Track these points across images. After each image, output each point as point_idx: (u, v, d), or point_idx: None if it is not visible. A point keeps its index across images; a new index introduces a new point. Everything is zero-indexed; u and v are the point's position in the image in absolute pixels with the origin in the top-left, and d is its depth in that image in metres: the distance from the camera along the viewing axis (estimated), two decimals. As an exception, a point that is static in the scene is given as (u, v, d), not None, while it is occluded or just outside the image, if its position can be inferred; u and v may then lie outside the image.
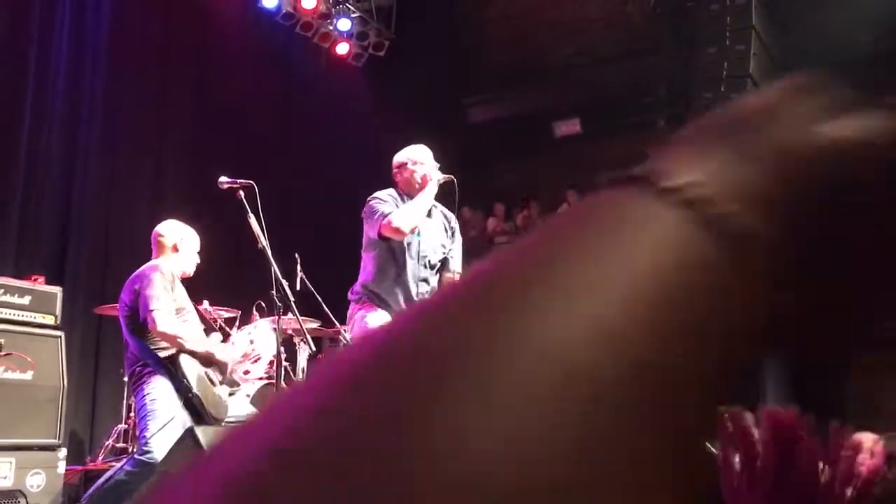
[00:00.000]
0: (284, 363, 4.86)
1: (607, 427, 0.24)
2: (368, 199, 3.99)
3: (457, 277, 3.35)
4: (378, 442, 0.22)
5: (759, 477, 0.78)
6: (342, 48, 9.68)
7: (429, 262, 4.06)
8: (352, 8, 9.53)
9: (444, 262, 4.21)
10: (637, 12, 10.26)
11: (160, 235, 4.22)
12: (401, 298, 3.94)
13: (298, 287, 5.79)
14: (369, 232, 3.93)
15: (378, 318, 3.82)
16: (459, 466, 0.22)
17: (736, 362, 0.29)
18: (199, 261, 4.28)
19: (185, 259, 4.18)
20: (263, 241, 3.87)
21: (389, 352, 0.26)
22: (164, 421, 3.54)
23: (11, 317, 4.71)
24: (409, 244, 3.95)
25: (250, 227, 3.86)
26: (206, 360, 3.90)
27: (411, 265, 3.97)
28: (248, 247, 4.41)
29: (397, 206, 3.93)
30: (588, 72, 11.02)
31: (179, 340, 3.77)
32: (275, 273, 3.84)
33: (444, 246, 4.17)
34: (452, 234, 4.25)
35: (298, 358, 6.48)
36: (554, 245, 0.28)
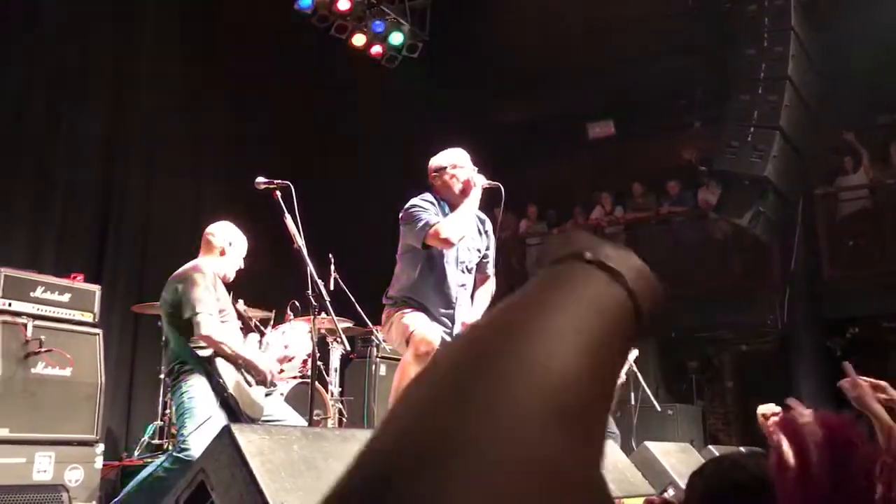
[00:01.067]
0: (318, 362, 4.89)
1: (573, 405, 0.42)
2: (407, 206, 3.90)
3: (491, 279, 3.32)
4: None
5: (814, 480, 0.77)
6: (375, 50, 9.72)
7: (466, 267, 4.01)
8: (385, 10, 9.56)
9: (480, 265, 4.15)
10: (673, 13, 10.17)
11: (210, 235, 4.17)
12: (439, 304, 3.89)
13: (332, 287, 5.83)
14: (410, 240, 3.85)
15: (416, 318, 3.75)
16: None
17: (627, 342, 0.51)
18: (242, 266, 4.23)
19: (229, 263, 4.14)
20: (299, 241, 3.88)
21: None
22: (201, 419, 3.56)
23: (52, 314, 4.80)
24: (446, 251, 3.89)
25: (286, 227, 3.88)
26: (245, 365, 3.90)
27: (450, 271, 3.91)
28: (282, 247, 4.44)
29: (437, 213, 3.86)
30: (622, 73, 10.95)
31: (223, 346, 3.77)
32: (310, 273, 3.86)
33: (479, 250, 4.11)
34: (486, 235, 4.19)
35: (331, 357, 6.52)
36: (536, 299, 0.50)
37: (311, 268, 3.85)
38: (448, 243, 3.76)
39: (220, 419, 3.59)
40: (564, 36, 11.22)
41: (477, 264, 4.11)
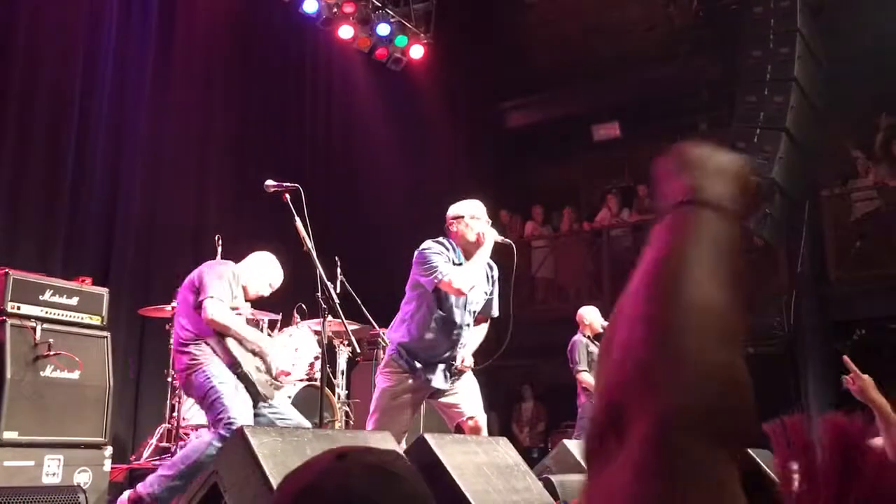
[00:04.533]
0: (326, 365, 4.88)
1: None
2: (422, 247, 4.09)
3: (487, 322, 3.53)
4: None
5: (821, 485, 0.76)
6: (381, 53, 9.72)
7: (473, 310, 4.22)
8: (390, 13, 9.57)
9: (483, 307, 4.35)
10: (678, 15, 10.17)
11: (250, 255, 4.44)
12: (444, 343, 4.08)
13: (339, 289, 5.83)
14: (422, 280, 4.04)
15: (383, 407, 3.96)
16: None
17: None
18: (265, 294, 4.36)
19: (252, 280, 4.28)
20: (309, 244, 3.89)
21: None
22: (233, 393, 3.66)
23: (60, 317, 4.79)
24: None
25: (296, 230, 3.88)
26: (252, 348, 3.98)
27: (458, 313, 4.11)
28: (289, 249, 4.45)
29: (450, 259, 4.06)
30: (628, 75, 10.94)
31: (229, 330, 3.83)
32: (320, 276, 3.86)
33: (486, 293, 4.33)
34: (494, 281, 4.37)
35: (338, 360, 6.52)
36: (678, 253, 0.74)
37: (320, 270, 3.86)
38: (460, 293, 3.98)
39: (244, 391, 3.69)
40: (570, 38, 11.23)
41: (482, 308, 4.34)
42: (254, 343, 3.96)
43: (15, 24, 6.47)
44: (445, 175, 9.70)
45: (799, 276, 9.56)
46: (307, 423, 4.13)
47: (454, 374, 4.11)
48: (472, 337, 4.30)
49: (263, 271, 4.27)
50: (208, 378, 3.75)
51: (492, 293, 4.34)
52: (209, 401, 3.77)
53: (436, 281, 3.93)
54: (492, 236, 4.11)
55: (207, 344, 3.86)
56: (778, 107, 8.15)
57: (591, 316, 6.92)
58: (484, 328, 4.41)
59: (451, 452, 3.17)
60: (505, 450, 3.63)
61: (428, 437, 3.22)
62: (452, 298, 4.05)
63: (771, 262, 10.11)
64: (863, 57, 9.20)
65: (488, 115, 11.96)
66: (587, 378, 6.65)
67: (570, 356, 6.77)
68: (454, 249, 4.13)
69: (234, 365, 3.78)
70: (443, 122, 10.34)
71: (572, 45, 11.35)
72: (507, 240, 4.20)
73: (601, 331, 6.92)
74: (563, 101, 11.82)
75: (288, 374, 6.15)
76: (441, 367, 4.05)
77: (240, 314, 4.03)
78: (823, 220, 9.90)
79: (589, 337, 6.85)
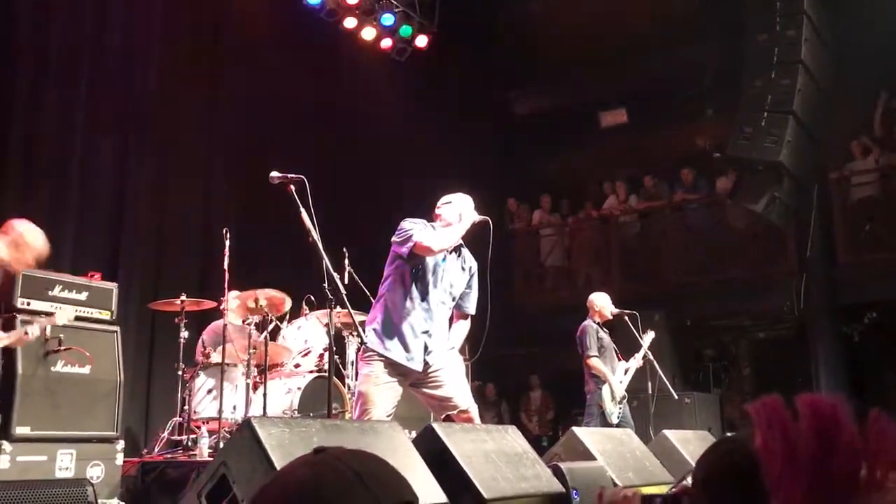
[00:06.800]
0: (335, 356, 4.90)
1: None
2: (400, 224, 4.13)
3: (468, 320, 3.46)
4: None
5: (800, 464, 0.77)
6: (385, 43, 9.70)
7: (452, 295, 4.19)
8: (394, 3, 9.54)
9: (459, 303, 4.30)
10: (683, 1, 10.11)
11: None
12: (418, 328, 4.03)
13: (346, 281, 5.83)
14: (400, 251, 4.06)
15: (372, 391, 3.89)
16: None
17: None
18: (29, 264, 4.35)
19: (12, 255, 4.26)
20: (314, 236, 3.88)
21: None
22: None
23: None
24: (429, 285, 4.08)
25: (301, 221, 3.88)
26: None
27: (432, 291, 4.09)
28: (296, 243, 4.44)
29: (426, 228, 4.10)
30: (634, 61, 10.89)
31: None
32: (326, 267, 3.85)
33: (465, 284, 4.28)
34: (472, 275, 4.31)
35: (348, 351, 6.53)
36: None
37: (326, 261, 3.85)
38: (430, 251, 3.97)
39: None
40: (576, 25, 11.18)
41: (458, 303, 4.29)
42: None
43: (21, 19, 6.51)
44: (452, 163, 9.68)
45: (808, 259, 9.52)
46: None
47: (431, 356, 4.04)
48: (454, 334, 4.29)
49: (22, 246, 4.26)
50: None
51: (470, 286, 4.31)
52: None
53: (411, 244, 3.96)
54: (471, 216, 4.16)
55: None
56: (785, 90, 8.10)
57: (601, 302, 6.89)
58: (465, 326, 4.37)
59: (459, 441, 3.17)
60: (514, 438, 3.64)
61: (436, 425, 3.22)
62: (429, 275, 4.05)
63: (780, 246, 10.08)
64: (870, 38, 9.12)
65: (495, 103, 11.92)
66: (597, 364, 6.63)
67: (581, 342, 6.75)
68: (434, 229, 4.16)
69: None
70: (449, 110, 10.31)
71: (578, 31, 11.29)
72: (483, 217, 4.21)
73: (610, 317, 6.91)
74: (569, 88, 11.78)
75: (298, 362, 6.18)
76: (417, 348, 3.99)
77: None
78: (832, 202, 9.84)
79: (599, 323, 6.83)
